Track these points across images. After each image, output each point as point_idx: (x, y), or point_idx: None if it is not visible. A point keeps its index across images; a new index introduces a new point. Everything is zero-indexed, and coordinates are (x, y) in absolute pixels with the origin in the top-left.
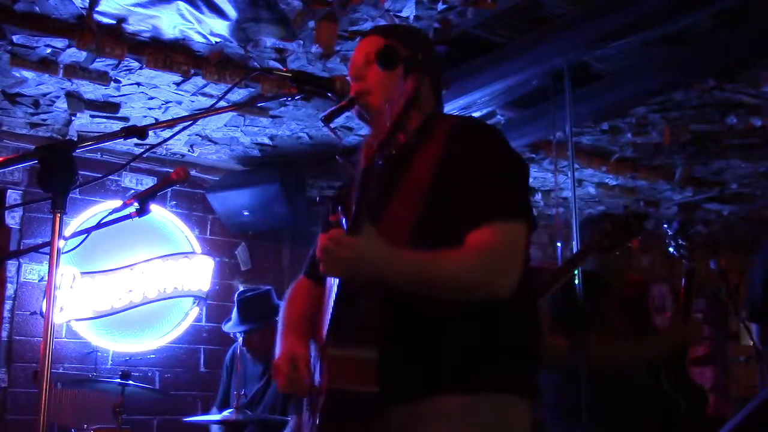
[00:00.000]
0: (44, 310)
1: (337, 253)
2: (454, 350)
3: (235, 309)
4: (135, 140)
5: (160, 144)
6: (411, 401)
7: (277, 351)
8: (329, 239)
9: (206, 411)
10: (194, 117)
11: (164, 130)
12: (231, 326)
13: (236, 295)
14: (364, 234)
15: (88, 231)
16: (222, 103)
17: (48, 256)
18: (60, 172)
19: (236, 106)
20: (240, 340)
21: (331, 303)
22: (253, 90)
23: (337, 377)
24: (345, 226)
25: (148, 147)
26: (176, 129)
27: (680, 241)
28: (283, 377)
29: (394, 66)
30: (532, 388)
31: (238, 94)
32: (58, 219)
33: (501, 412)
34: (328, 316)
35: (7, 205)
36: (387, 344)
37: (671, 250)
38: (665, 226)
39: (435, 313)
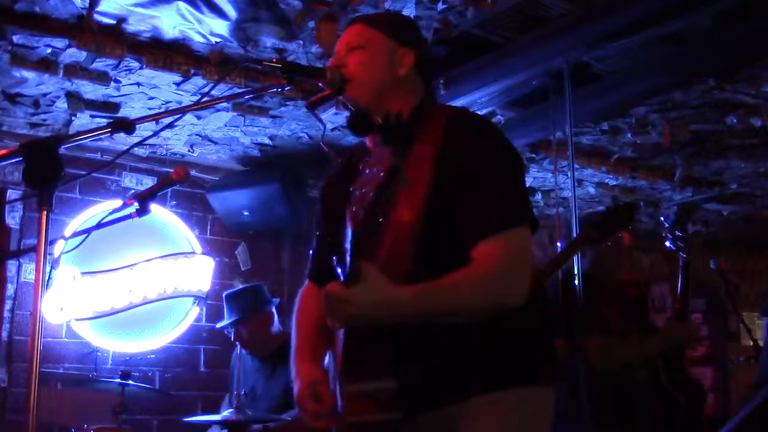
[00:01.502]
0: (41, 309)
1: (338, 309)
2: (476, 353)
3: (224, 306)
4: (134, 140)
5: (152, 136)
6: (441, 407)
7: (295, 380)
8: (327, 295)
9: (206, 411)
10: (183, 110)
11: (165, 129)
12: (221, 323)
13: (224, 295)
14: (362, 283)
15: (88, 231)
16: (205, 99)
17: (48, 256)
18: (45, 169)
19: (225, 98)
20: (231, 337)
21: (341, 337)
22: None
23: (358, 411)
24: (342, 275)
25: (139, 141)
26: (165, 122)
27: (677, 233)
28: (309, 415)
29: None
30: (553, 376)
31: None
32: (44, 216)
33: (530, 404)
34: (339, 349)
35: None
36: (406, 363)
37: (668, 244)
38: (662, 218)
39: (451, 325)
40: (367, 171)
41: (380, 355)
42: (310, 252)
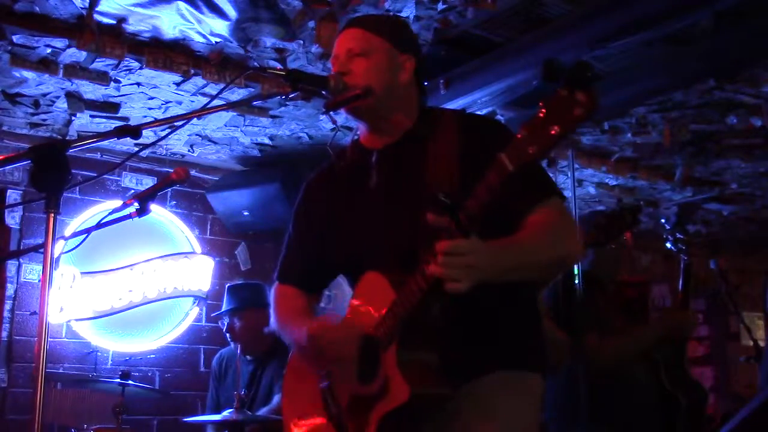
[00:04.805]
0: (47, 310)
1: (466, 262)
2: (509, 335)
3: (225, 296)
4: (135, 140)
5: (156, 142)
6: (470, 380)
7: (296, 333)
8: (452, 249)
9: (204, 412)
10: (189, 116)
11: (164, 129)
12: (218, 312)
13: (226, 286)
14: (474, 235)
15: (88, 231)
16: (216, 102)
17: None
18: (53, 172)
19: (230, 105)
20: (225, 326)
21: (384, 311)
22: (253, 90)
23: (418, 382)
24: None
25: (143, 146)
26: (174, 128)
27: (678, 235)
28: (327, 344)
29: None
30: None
31: (238, 95)
32: (52, 219)
33: (537, 387)
34: (382, 325)
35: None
36: (453, 338)
37: (669, 245)
38: (663, 220)
39: (493, 306)
40: (379, 173)
41: (437, 328)
42: (284, 253)
